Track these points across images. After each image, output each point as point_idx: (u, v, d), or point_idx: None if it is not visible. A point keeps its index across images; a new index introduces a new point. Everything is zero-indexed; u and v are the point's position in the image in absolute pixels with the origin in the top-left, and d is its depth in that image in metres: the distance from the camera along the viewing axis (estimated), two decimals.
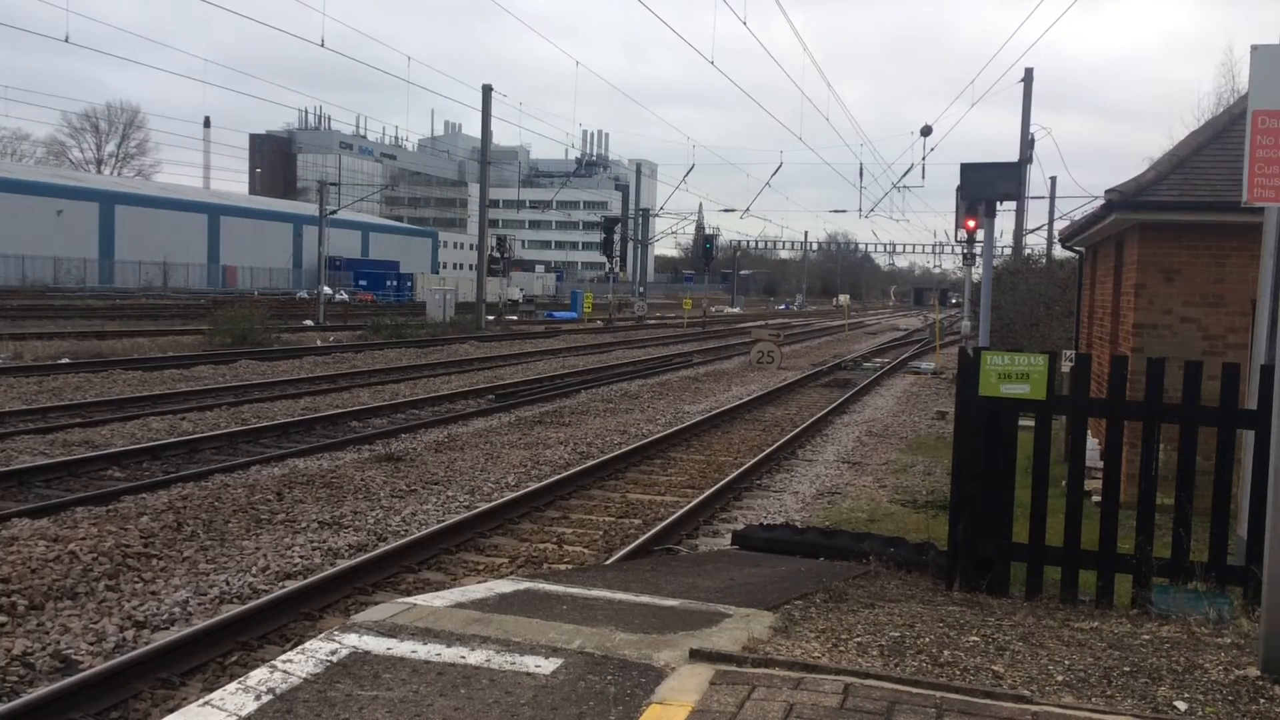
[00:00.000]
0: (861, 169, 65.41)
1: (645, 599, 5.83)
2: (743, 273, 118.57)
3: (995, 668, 4.67)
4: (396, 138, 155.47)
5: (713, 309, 79.92)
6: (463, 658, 4.55)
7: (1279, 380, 5.21)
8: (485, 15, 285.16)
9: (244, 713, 3.92)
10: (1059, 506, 6.42)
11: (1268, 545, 4.82)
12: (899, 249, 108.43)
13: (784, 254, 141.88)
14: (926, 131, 36.70)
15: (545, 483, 11.85)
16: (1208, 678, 4.61)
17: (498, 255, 69.34)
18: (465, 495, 11.58)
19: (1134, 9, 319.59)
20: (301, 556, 8.87)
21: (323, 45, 32.81)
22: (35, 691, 5.71)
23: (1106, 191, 11.63)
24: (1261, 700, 4.36)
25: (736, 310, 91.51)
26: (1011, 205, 32.85)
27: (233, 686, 4.19)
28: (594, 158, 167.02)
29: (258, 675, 4.31)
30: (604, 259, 71.31)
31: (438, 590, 6.90)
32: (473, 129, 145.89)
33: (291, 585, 7.84)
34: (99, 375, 21.24)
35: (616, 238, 66.06)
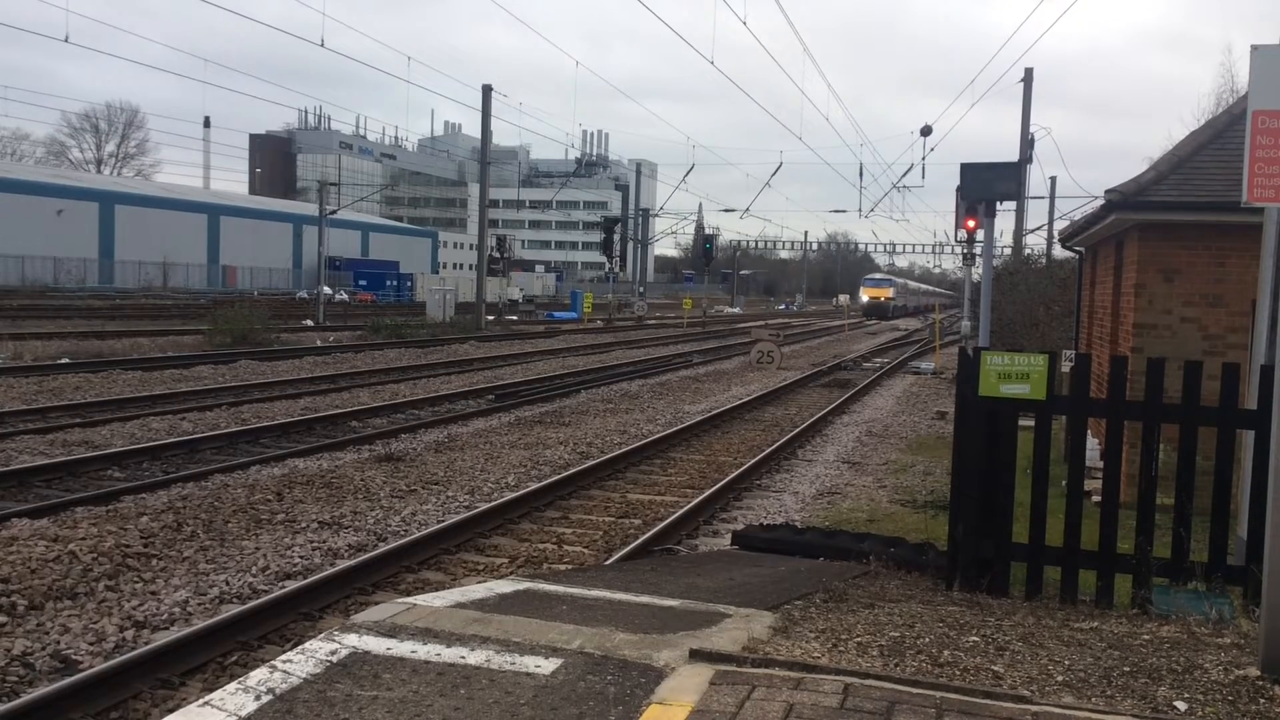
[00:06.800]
0: (861, 169, 65.30)
1: (645, 599, 5.83)
2: (742, 273, 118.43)
3: (995, 668, 4.67)
4: (396, 138, 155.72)
5: (713, 309, 79.91)
6: (463, 658, 4.55)
7: (1279, 380, 5.21)
8: (440, 6, 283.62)
9: (244, 713, 3.92)
10: (1059, 506, 6.42)
11: (1268, 545, 4.82)
12: (899, 249, 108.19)
13: (784, 254, 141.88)
14: (926, 131, 36.70)
15: (545, 483, 11.85)
16: (1208, 678, 4.61)
17: (498, 255, 69.44)
18: (465, 495, 11.58)
19: (1107, 3, 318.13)
20: (301, 556, 8.87)
21: (322, 45, 32.85)
22: (35, 692, 5.71)
23: (1106, 191, 11.63)
24: (1261, 700, 4.36)
25: (736, 310, 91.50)
26: (1011, 205, 32.88)
27: (232, 686, 4.19)
28: (594, 158, 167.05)
29: (257, 675, 4.31)
30: (604, 259, 71.36)
31: (438, 590, 6.90)
32: (472, 129, 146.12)
33: (291, 585, 7.84)
34: (99, 375, 21.23)
35: (616, 238, 66.12)
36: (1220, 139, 11.92)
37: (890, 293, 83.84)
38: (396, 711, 3.97)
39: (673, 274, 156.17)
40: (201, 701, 4.08)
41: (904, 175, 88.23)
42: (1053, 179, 44.41)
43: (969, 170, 12.80)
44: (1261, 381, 6.02)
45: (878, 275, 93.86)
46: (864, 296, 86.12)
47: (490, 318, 48.51)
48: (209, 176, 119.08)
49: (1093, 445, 11.97)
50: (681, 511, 10.60)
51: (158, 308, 48.30)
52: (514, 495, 11.19)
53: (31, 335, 28.67)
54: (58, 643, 6.63)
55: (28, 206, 66.26)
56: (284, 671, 4.34)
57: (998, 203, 13.53)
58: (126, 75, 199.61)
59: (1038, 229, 42.65)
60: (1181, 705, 4.26)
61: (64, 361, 23.12)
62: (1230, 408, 6.17)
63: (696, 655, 4.62)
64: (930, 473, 14.00)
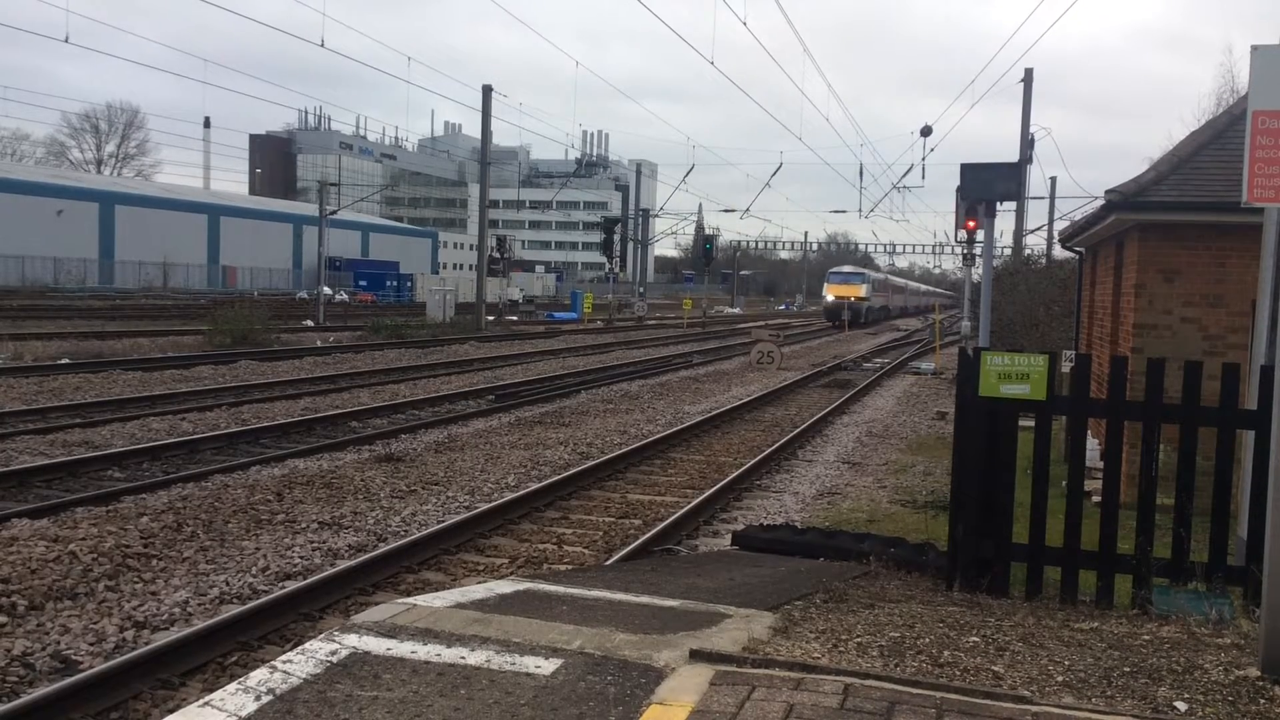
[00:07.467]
0: (861, 169, 65.22)
1: (645, 599, 5.83)
2: (743, 273, 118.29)
3: (995, 668, 4.67)
4: (396, 138, 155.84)
5: (713, 309, 79.89)
6: (463, 658, 4.55)
7: (1279, 380, 5.21)
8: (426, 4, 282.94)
9: (244, 713, 3.92)
10: (1059, 507, 6.42)
11: (1268, 545, 4.82)
12: (899, 249, 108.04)
13: (784, 254, 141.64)
14: (926, 132, 36.74)
15: (545, 483, 11.85)
16: (1208, 678, 4.61)
17: (498, 255, 69.37)
18: (465, 496, 11.58)
19: (1107, 3, 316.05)
20: (301, 557, 8.87)
21: (322, 45, 32.87)
22: (35, 692, 5.71)
23: (1106, 192, 11.63)
24: (1261, 700, 4.36)
25: (736, 311, 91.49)
26: (1011, 205, 32.89)
27: (233, 687, 4.19)
28: (594, 158, 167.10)
29: (258, 676, 4.31)
30: (604, 259, 71.28)
31: (438, 591, 6.90)
32: (472, 129, 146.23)
33: (291, 585, 7.84)
34: (99, 375, 21.23)
35: (616, 238, 66.08)
36: (1220, 139, 11.92)
37: (862, 290, 62.20)
38: (396, 712, 3.97)
39: (673, 274, 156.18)
40: (201, 702, 4.08)
41: (904, 175, 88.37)
42: (1053, 179, 44.49)
43: (969, 170, 12.80)
44: (1261, 381, 6.03)
45: (846, 269, 71.01)
46: (828, 295, 63.67)
47: (490, 318, 48.51)
48: (209, 177, 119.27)
49: (1093, 445, 11.97)
50: (682, 512, 10.60)
51: (158, 308, 48.30)
52: (514, 495, 11.19)
53: (31, 335, 28.66)
54: (58, 643, 6.63)
55: (28, 206, 66.26)
56: (284, 672, 4.34)
57: (998, 203, 13.53)
58: (126, 75, 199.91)
59: (1038, 229, 42.68)
60: (1181, 706, 4.26)
61: (64, 362, 23.12)
62: (1230, 408, 6.17)
63: (697, 655, 4.62)
64: (930, 473, 14.00)
